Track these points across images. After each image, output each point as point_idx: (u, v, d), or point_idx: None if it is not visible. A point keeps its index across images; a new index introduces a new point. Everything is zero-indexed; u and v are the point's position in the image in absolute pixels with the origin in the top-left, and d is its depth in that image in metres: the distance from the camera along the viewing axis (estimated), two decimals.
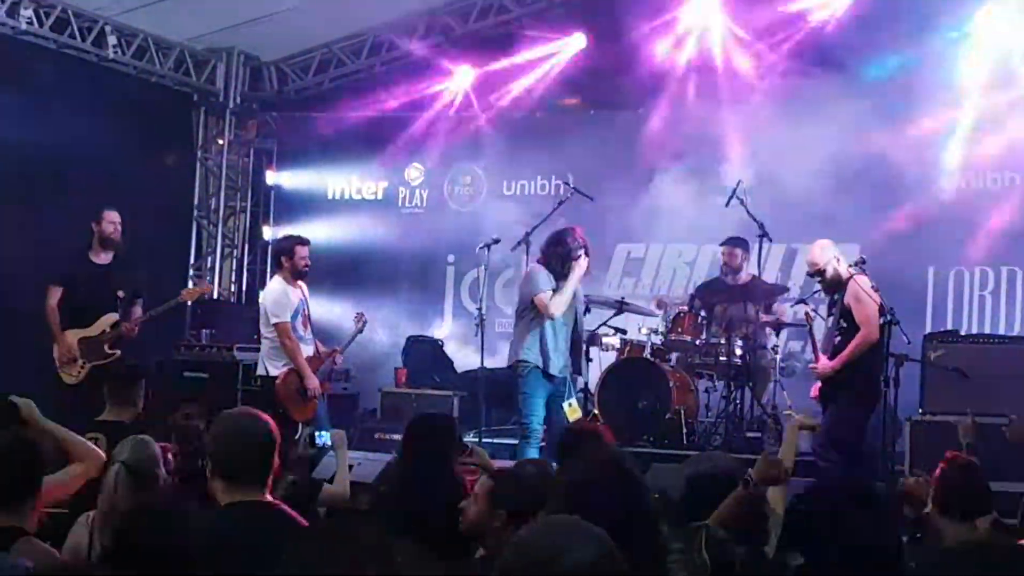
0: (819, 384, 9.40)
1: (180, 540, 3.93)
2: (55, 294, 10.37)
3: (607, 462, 4.11)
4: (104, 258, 10.46)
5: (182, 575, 3.88)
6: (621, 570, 2.67)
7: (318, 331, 10.64)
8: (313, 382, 10.10)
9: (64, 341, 10.27)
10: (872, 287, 9.16)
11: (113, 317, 10.31)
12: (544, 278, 9.46)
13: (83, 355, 10.15)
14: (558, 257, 9.48)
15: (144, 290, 10.63)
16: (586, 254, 9.51)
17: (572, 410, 9.52)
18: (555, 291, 9.41)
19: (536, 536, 2.69)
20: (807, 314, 9.76)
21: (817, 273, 9.46)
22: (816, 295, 10.24)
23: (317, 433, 7.74)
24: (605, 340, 11.31)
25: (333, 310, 12.94)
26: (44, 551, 4.54)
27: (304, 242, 10.38)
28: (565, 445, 6.26)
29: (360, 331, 10.87)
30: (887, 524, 4.23)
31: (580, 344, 9.83)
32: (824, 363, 9.28)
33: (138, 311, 10.51)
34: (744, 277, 11.40)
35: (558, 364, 9.48)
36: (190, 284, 13.67)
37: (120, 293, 10.38)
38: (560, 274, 9.47)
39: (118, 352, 10.20)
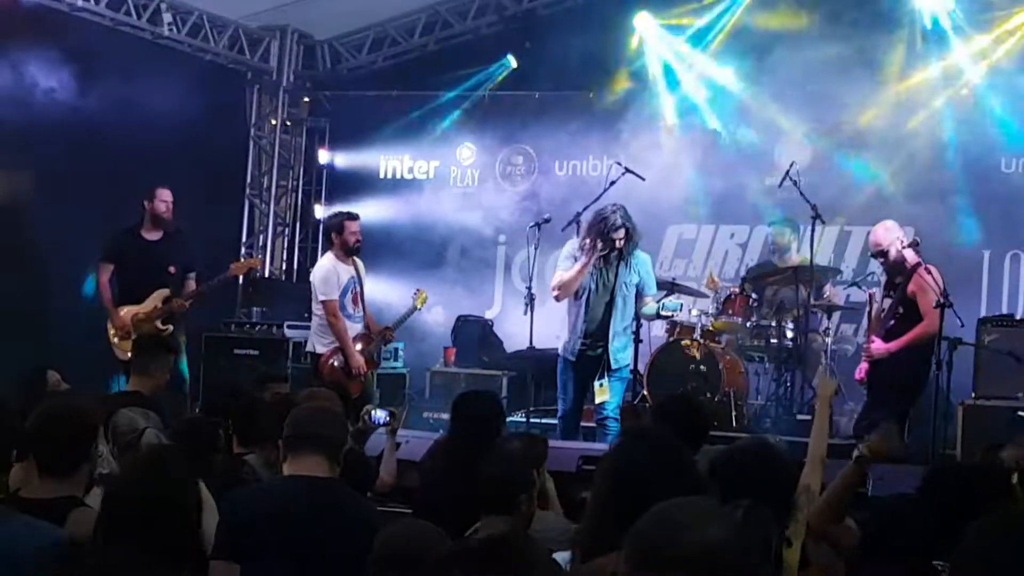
0: (865, 366, 9.30)
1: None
2: (106, 271, 10.47)
3: (651, 438, 4.08)
4: (155, 235, 10.53)
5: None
6: (755, 551, 2.65)
7: (370, 309, 10.65)
8: (356, 360, 10.05)
9: (118, 317, 10.34)
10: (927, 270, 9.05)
11: (164, 292, 10.37)
12: (564, 254, 9.65)
13: (136, 330, 10.19)
14: (594, 234, 9.45)
15: (197, 264, 10.69)
16: (627, 234, 9.41)
17: (600, 390, 9.51)
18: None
19: (671, 510, 2.65)
20: (870, 295, 9.70)
21: (880, 254, 9.35)
22: (870, 277, 10.16)
23: (372, 411, 7.71)
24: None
25: (382, 289, 12.93)
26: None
27: (353, 217, 10.35)
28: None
29: (417, 308, 10.81)
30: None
31: (607, 328, 9.58)
32: (880, 344, 9.18)
33: (192, 284, 10.57)
34: (794, 258, 11.29)
35: (571, 347, 9.64)
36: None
37: (171, 268, 10.44)
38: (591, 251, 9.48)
39: (170, 328, 10.26)
